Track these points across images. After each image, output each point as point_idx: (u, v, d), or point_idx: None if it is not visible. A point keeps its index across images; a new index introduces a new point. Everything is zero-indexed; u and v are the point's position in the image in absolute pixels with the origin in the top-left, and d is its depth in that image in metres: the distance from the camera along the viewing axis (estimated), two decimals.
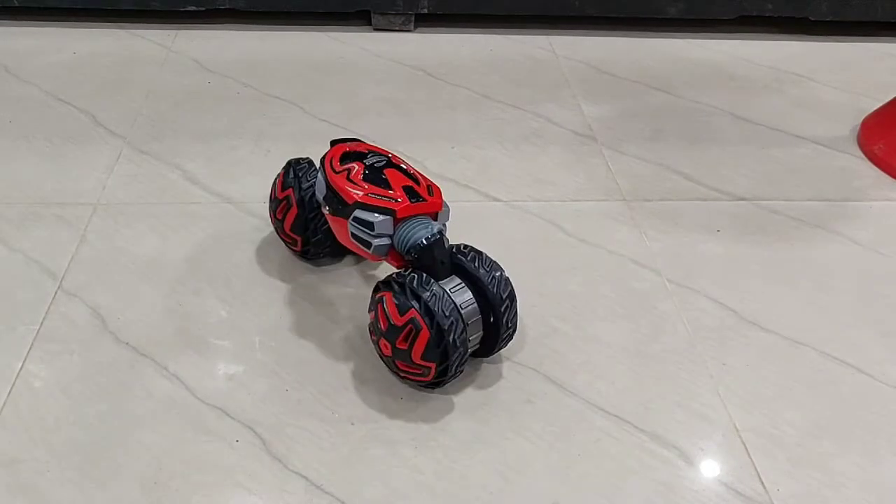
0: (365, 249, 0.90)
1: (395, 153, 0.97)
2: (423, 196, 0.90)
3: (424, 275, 0.85)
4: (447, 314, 0.82)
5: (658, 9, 1.71)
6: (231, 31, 1.68)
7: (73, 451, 0.82)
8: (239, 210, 1.16)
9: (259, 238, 1.11)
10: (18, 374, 0.90)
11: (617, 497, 0.80)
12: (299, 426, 0.85)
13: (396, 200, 0.89)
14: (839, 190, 1.28)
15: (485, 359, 0.93)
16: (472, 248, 0.90)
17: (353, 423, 0.86)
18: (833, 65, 1.66)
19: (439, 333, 0.82)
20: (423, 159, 1.29)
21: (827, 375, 0.95)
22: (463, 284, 0.86)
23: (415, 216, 0.89)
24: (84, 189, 1.19)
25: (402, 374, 0.88)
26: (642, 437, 0.86)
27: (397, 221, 0.89)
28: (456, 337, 0.83)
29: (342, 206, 0.91)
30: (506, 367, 0.93)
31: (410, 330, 0.83)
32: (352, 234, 0.90)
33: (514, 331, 0.90)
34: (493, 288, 0.86)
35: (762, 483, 0.82)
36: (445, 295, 0.83)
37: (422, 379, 0.87)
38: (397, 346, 0.85)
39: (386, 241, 0.89)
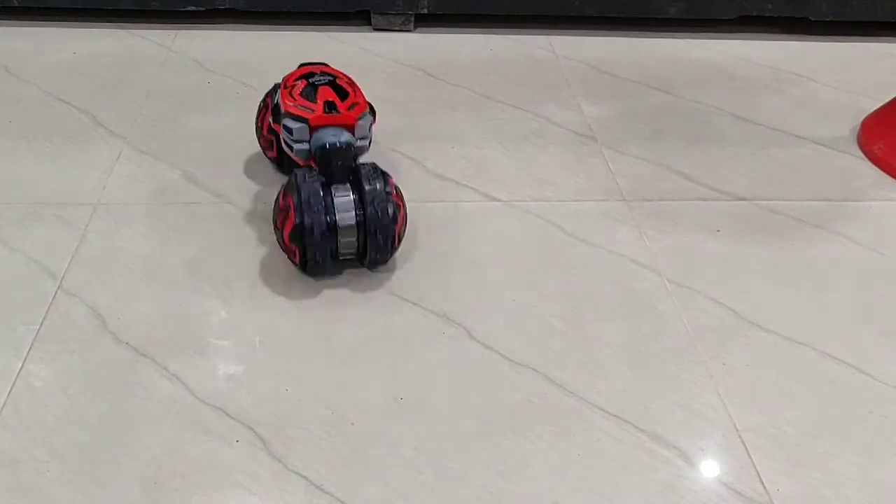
0: (290, 153, 1.06)
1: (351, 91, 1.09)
2: (339, 110, 1.03)
3: (316, 173, 0.98)
4: (315, 209, 0.94)
5: (658, 9, 1.71)
6: (231, 31, 1.68)
7: (73, 451, 0.82)
8: (239, 210, 1.16)
9: (259, 238, 1.11)
10: (18, 374, 0.90)
11: (617, 497, 0.80)
12: (299, 426, 0.85)
13: (312, 111, 1.03)
14: (839, 190, 1.28)
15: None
16: (377, 169, 1.00)
17: (353, 423, 0.86)
18: (833, 65, 1.66)
19: (302, 223, 0.94)
20: (423, 159, 1.29)
21: (827, 375, 0.95)
22: (349, 193, 0.97)
23: (329, 126, 1.02)
24: (84, 189, 1.19)
25: (284, 251, 1.01)
26: (642, 437, 0.86)
27: (312, 129, 1.03)
28: (318, 231, 0.95)
29: (278, 115, 1.08)
30: (505, 367, 0.93)
31: (285, 215, 0.97)
32: (283, 139, 1.07)
33: (391, 252, 1.01)
34: (374, 206, 0.96)
35: (762, 483, 0.82)
36: (321, 193, 0.95)
37: (293, 261, 1.01)
38: (277, 225, 1.00)
39: (305, 146, 1.04)
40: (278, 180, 1.22)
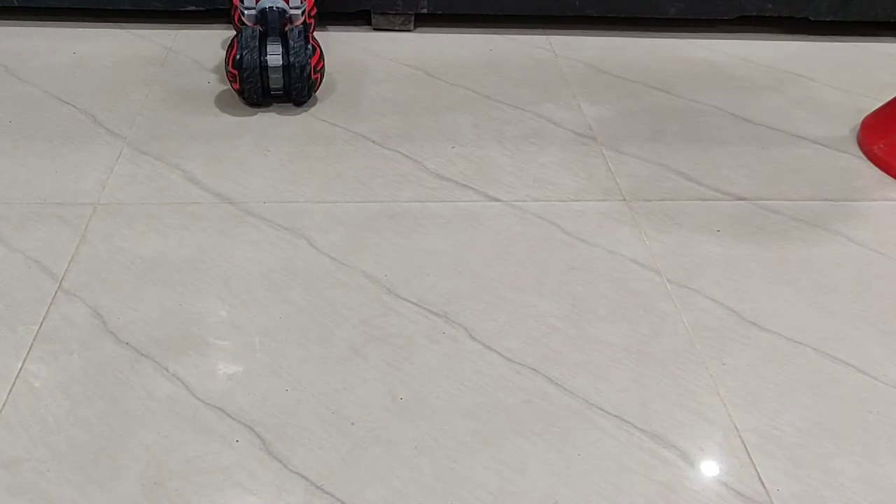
0: (243, 19, 1.38)
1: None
2: None
3: (256, 29, 1.34)
4: (251, 48, 1.32)
5: (658, 9, 1.71)
6: (231, 31, 1.68)
7: (73, 451, 0.82)
8: (239, 210, 1.16)
9: (259, 238, 1.11)
10: (18, 374, 0.90)
11: (617, 497, 0.80)
12: (299, 426, 0.85)
13: None
14: (839, 190, 1.28)
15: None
16: (301, 29, 1.34)
17: (353, 423, 0.86)
18: (833, 65, 1.66)
19: (241, 56, 1.31)
20: (424, 159, 1.29)
21: (827, 375, 0.95)
22: (278, 44, 1.34)
23: None
24: (84, 189, 1.19)
25: (228, 79, 1.38)
26: (642, 437, 0.86)
27: None
28: (251, 60, 1.32)
29: None
30: (505, 367, 0.93)
31: (230, 52, 1.33)
32: (239, 9, 1.40)
33: (308, 87, 1.37)
34: (294, 50, 1.33)
35: (762, 483, 0.82)
36: (257, 38, 1.33)
37: (234, 87, 1.37)
38: (225, 57, 1.35)
39: (252, 11, 1.36)
40: (279, 180, 1.22)
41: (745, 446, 0.86)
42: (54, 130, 1.33)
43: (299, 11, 1.40)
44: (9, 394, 0.87)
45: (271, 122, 1.38)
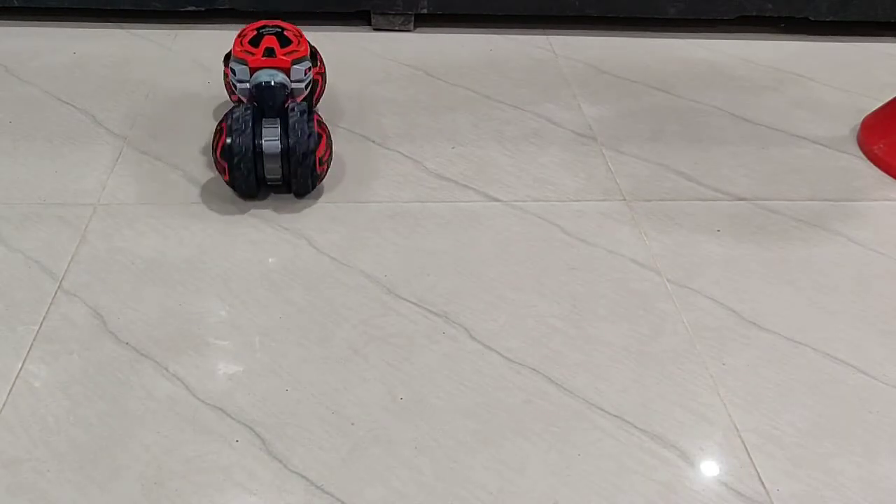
0: (235, 92, 1.19)
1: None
2: (277, 55, 1.17)
3: (251, 106, 1.12)
4: (243, 132, 1.08)
5: (658, 9, 1.71)
6: (231, 32, 1.67)
7: (73, 451, 0.82)
8: (239, 210, 1.16)
9: (259, 238, 1.11)
10: (18, 374, 0.90)
11: (617, 497, 0.80)
12: (299, 426, 0.85)
13: (252, 55, 1.17)
14: (839, 190, 1.28)
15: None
16: (303, 106, 1.12)
17: (353, 423, 0.86)
18: (833, 65, 1.66)
19: (231, 143, 1.09)
20: (424, 159, 1.29)
21: (827, 375, 0.95)
22: (276, 125, 1.11)
23: (266, 67, 1.16)
24: (84, 189, 1.19)
25: (217, 169, 1.15)
26: (642, 437, 0.86)
27: (252, 70, 1.16)
28: (243, 146, 1.08)
29: (226, 59, 1.24)
30: (505, 367, 0.93)
31: (219, 136, 1.11)
32: (230, 81, 1.20)
33: (312, 179, 1.14)
34: (295, 135, 1.10)
35: (762, 483, 0.82)
36: (250, 121, 1.09)
37: (224, 177, 1.14)
38: (213, 143, 1.13)
39: (246, 85, 1.17)
40: None
41: (745, 446, 0.86)
42: (54, 130, 1.33)
43: (302, 84, 1.19)
44: (9, 394, 0.87)
45: None
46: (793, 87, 1.57)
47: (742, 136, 1.40)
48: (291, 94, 1.17)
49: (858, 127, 1.43)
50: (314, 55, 1.28)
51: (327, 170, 1.18)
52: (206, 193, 1.19)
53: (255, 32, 1.22)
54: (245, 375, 0.91)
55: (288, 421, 0.86)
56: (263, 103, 1.13)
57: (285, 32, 1.22)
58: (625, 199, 1.23)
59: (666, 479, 0.82)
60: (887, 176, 1.32)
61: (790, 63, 1.66)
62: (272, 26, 1.24)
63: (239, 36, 1.23)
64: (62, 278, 1.02)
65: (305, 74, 1.19)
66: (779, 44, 1.74)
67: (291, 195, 1.18)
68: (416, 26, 1.73)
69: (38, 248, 1.07)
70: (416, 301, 1.02)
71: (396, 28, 1.72)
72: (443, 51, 1.64)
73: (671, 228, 1.17)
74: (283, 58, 1.17)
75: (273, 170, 1.12)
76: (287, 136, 1.10)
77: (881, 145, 1.35)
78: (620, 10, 1.71)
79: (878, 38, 1.77)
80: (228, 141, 1.09)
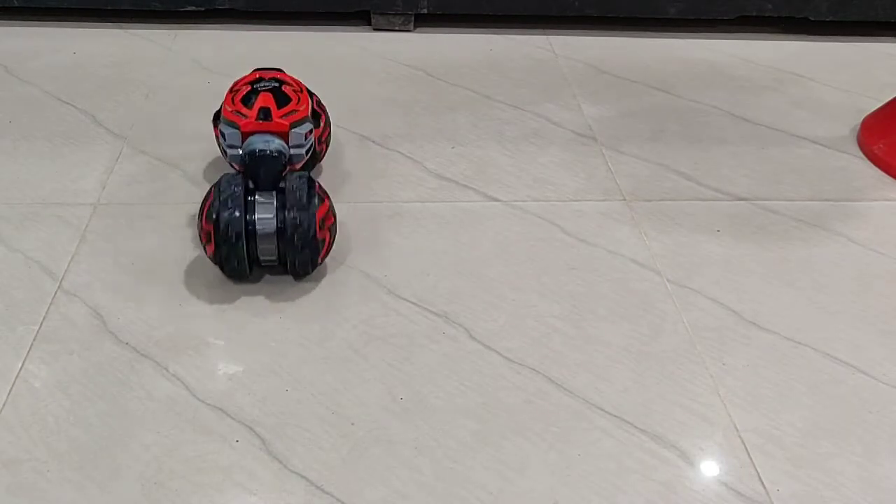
0: (225, 158, 1.07)
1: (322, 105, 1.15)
2: (272, 117, 1.03)
3: (240, 177, 0.97)
4: (232, 210, 0.93)
5: (658, 9, 1.71)
6: (231, 31, 1.68)
7: (73, 451, 0.82)
8: None
9: None
10: (18, 374, 0.90)
11: (617, 497, 0.80)
12: (299, 426, 0.85)
13: (245, 117, 1.03)
14: (839, 190, 1.28)
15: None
16: (304, 177, 0.97)
17: (353, 423, 0.86)
18: (833, 65, 1.66)
19: (217, 222, 0.93)
20: (423, 159, 1.29)
21: (827, 375, 0.95)
22: (272, 199, 0.96)
23: (260, 132, 1.02)
24: (84, 189, 1.19)
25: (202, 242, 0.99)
26: (642, 437, 0.86)
27: (244, 135, 1.02)
28: (233, 231, 0.93)
29: (216, 119, 1.10)
30: (506, 367, 0.93)
31: (203, 208, 0.96)
32: (219, 144, 1.08)
33: (312, 261, 0.98)
34: (293, 212, 0.94)
35: (762, 483, 0.82)
36: (241, 196, 0.94)
37: (208, 250, 0.98)
38: (198, 218, 0.97)
39: (238, 151, 1.03)
40: None
41: (745, 446, 0.86)
42: (54, 130, 1.33)
43: (303, 150, 1.05)
44: (9, 394, 0.87)
45: None
46: (793, 87, 1.57)
47: (742, 136, 1.40)
48: (290, 160, 1.04)
49: (858, 127, 1.43)
50: (316, 112, 1.13)
51: (332, 244, 1.02)
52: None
53: (248, 88, 1.08)
54: (245, 375, 0.91)
55: (288, 421, 0.86)
56: (257, 174, 0.98)
57: (283, 87, 1.08)
58: (625, 199, 1.23)
59: (666, 479, 0.82)
60: (887, 176, 1.32)
61: (790, 63, 1.66)
62: (268, 80, 1.10)
63: (230, 91, 1.09)
64: (62, 278, 1.02)
65: (306, 139, 1.05)
66: (779, 44, 1.74)
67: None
68: (416, 26, 1.73)
69: (38, 248, 1.07)
70: (416, 301, 1.02)
71: (396, 28, 1.72)
72: (443, 51, 1.64)
73: (671, 228, 1.17)
74: (281, 121, 1.03)
75: (268, 250, 0.97)
76: (284, 212, 0.95)
77: (881, 145, 1.35)
78: (620, 10, 1.71)
79: (878, 38, 1.77)
80: (215, 217, 0.93)
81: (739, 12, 1.72)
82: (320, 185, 1.01)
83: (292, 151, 1.03)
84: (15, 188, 1.19)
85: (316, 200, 0.96)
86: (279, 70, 1.14)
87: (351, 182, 1.23)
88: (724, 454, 0.85)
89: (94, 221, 1.13)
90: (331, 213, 0.99)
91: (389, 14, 1.70)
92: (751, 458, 0.85)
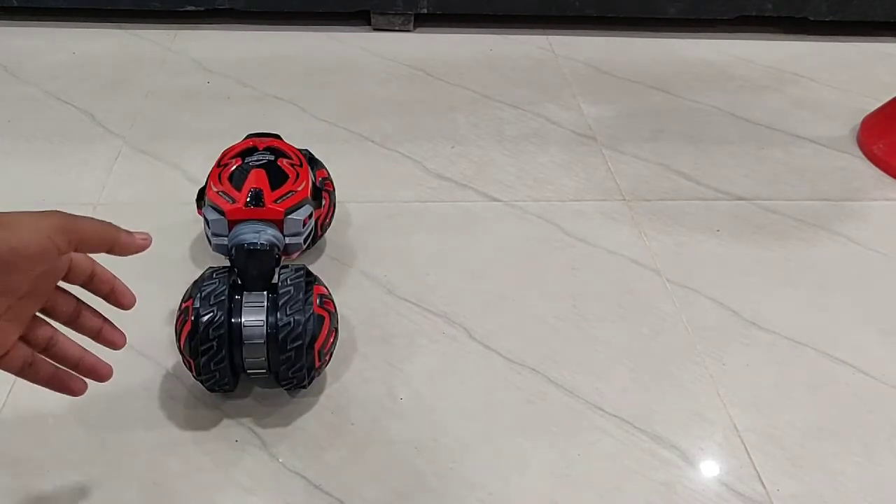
0: (210, 246, 0.89)
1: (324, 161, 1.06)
2: (264, 202, 0.86)
3: (224, 276, 0.81)
4: (209, 306, 0.78)
5: (658, 9, 1.71)
6: (231, 31, 1.68)
7: (73, 451, 0.82)
8: None
9: None
10: None
11: (617, 497, 0.80)
12: (299, 426, 0.85)
13: (232, 201, 0.86)
14: (839, 190, 1.28)
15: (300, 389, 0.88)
16: (301, 271, 0.82)
17: (352, 423, 0.86)
18: (833, 65, 1.66)
19: (196, 328, 0.78)
20: (423, 159, 1.29)
21: (827, 375, 0.95)
22: (262, 301, 0.80)
23: (252, 220, 0.86)
24: (84, 189, 1.19)
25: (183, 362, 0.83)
26: (642, 437, 0.86)
27: (231, 223, 0.86)
28: (211, 326, 0.77)
29: (200, 200, 0.93)
30: (506, 367, 0.93)
31: (184, 319, 0.80)
32: (204, 231, 0.90)
33: (306, 373, 0.82)
34: (285, 314, 0.78)
35: (762, 483, 0.82)
36: (227, 288, 0.79)
37: (191, 372, 0.82)
38: (175, 327, 0.82)
39: (224, 241, 0.87)
40: None
41: (745, 446, 0.86)
42: (54, 130, 1.33)
43: (300, 238, 0.89)
44: (9, 394, 0.87)
45: (271, 122, 1.38)
46: (793, 87, 1.57)
47: (742, 136, 1.40)
48: (286, 250, 0.89)
49: (858, 127, 1.43)
50: (318, 189, 0.96)
51: (329, 360, 0.86)
52: None
53: (238, 162, 0.91)
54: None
55: (288, 421, 0.86)
56: (245, 272, 0.83)
57: (279, 161, 0.91)
58: (625, 199, 1.23)
59: (666, 479, 0.82)
60: (887, 176, 1.32)
61: (790, 63, 1.66)
62: (262, 150, 0.93)
63: (217, 165, 0.92)
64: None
65: (304, 225, 0.89)
66: (779, 44, 1.74)
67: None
68: (416, 26, 1.73)
69: None
70: (416, 301, 1.02)
71: (396, 28, 1.72)
72: (443, 51, 1.64)
73: (671, 228, 1.17)
74: (274, 206, 0.86)
75: (256, 363, 0.81)
76: (275, 316, 0.79)
77: (881, 145, 1.35)
78: (620, 10, 1.71)
79: (878, 38, 1.77)
80: (194, 326, 0.78)
81: (739, 12, 1.72)
82: (322, 285, 0.85)
83: (288, 241, 0.88)
84: (15, 188, 1.19)
85: (315, 305, 0.81)
86: (276, 137, 0.99)
87: (351, 182, 1.23)
88: (724, 454, 0.85)
89: None
90: (331, 321, 0.83)
91: (389, 14, 1.70)
92: (751, 458, 0.85)
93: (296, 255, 0.92)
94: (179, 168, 1.25)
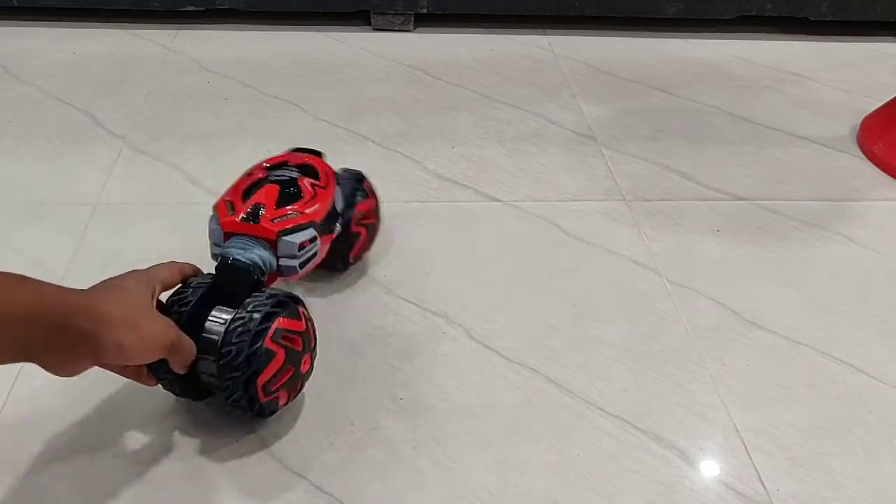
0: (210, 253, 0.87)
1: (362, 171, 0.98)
2: (260, 220, 0.83)
3: (202, 287, 0.80)
4: (181, 305, 0.78)
5: (658, 9, 1.71)
6: (231, 31, 1.68)
7: (73, 450, 0.82)
8: None
9: None
10: (18, 374, 0.90)
11: (617, 497, 0.80)
12: (299, 426, 0.85)
13: (231, 211, 0.85)
14: (839, 190, 1.28)
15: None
16: (261, 310, 0.76)
17: (352, 423, 0.86)
18: (833, 65, 1.66)
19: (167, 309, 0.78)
20: (423, 159, 1.29)
21: (827, 375, 0.95)
22: (225, 323, 0.77)
23: (244, 235, 0.83)
24: (84, 189, 1.19)
25: None
26: (642, 437, 0.86)
27: (227, 234, 0.84)
28: (176, 321, 0.75)
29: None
30: (505, 367, 0.93)
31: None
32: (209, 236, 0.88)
33: (248, 403, 0.77)
34: (233, 337, 0.75)
35: (762, 483, 0.82)
36: (198, 302, 0.78)
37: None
38: None
39: (218, 250, 0.85)
40: None
41: (745, 446, 0.86)
42: (54, 130, 1.33)
43: (296, 263, 0.85)
44: (9, 394, 0.87)
45: (271, 122, 1.38)
46: (793, 87, 1.57)
47: (742, 136, 1.40)
48: (280, 272, 0.85)
49: (858, 127, 1.43)
50: (335, 214, 0.91)
51: (286, 403, 0.82)
52: (206, 194, 1.19)
53: (263, 174, 0.90)
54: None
55: (288, 421, 0.86)
56: (220, 285, 0.80)
57: (301, 180, 0.88)
58: (625, 199, 1.23)
59: (666, 479, 0.82)
60: (887, 176, 1.32)
61: (790, 63, 1.66)
62: (293, 165, 0.91)
63: (246, 173, 0.91)
64: (62, 278, 1.02)
65: (301, 249, 0.84)
66: (779, 44, 1.74)
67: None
68: (416, 26, 1.73)
69: (38, 248, 1.07)
70: (416, 301, 1.02)
71: (396, 28, 1.72)
72: (443, 51, 1.64)
73: (671, 228, 1.17)
74: (268, 225, 0.83)
75: (210, 379, 0.78)
76: (230, 332, 0.75)
77: (881, 145, 1.35)
78: (620, 10, 1.71)
79: (878, 37, 1.77)
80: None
81: (739, 12, 1.72)
82: (306, 312, 0.82)
83: (281, 262, 0.84)
84: (15, 188, 1.19)
85: (269, 341, 0.75)
86: (318, 154, 0.96)
87: None
88: (724, 454, 0.85)
89: (94, 221, 1.13)
90: (286, 359, 0.78)
91: (389, 14, 1.70)
92: (751, 458, 0.85)
93: (294, 278, 0.87)
94: (179, 168, 1.25)
